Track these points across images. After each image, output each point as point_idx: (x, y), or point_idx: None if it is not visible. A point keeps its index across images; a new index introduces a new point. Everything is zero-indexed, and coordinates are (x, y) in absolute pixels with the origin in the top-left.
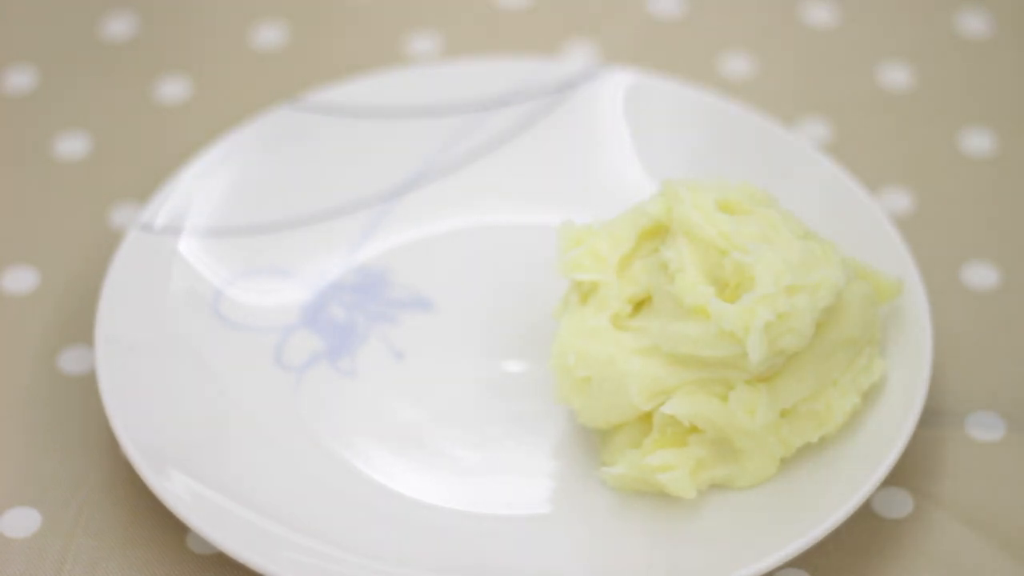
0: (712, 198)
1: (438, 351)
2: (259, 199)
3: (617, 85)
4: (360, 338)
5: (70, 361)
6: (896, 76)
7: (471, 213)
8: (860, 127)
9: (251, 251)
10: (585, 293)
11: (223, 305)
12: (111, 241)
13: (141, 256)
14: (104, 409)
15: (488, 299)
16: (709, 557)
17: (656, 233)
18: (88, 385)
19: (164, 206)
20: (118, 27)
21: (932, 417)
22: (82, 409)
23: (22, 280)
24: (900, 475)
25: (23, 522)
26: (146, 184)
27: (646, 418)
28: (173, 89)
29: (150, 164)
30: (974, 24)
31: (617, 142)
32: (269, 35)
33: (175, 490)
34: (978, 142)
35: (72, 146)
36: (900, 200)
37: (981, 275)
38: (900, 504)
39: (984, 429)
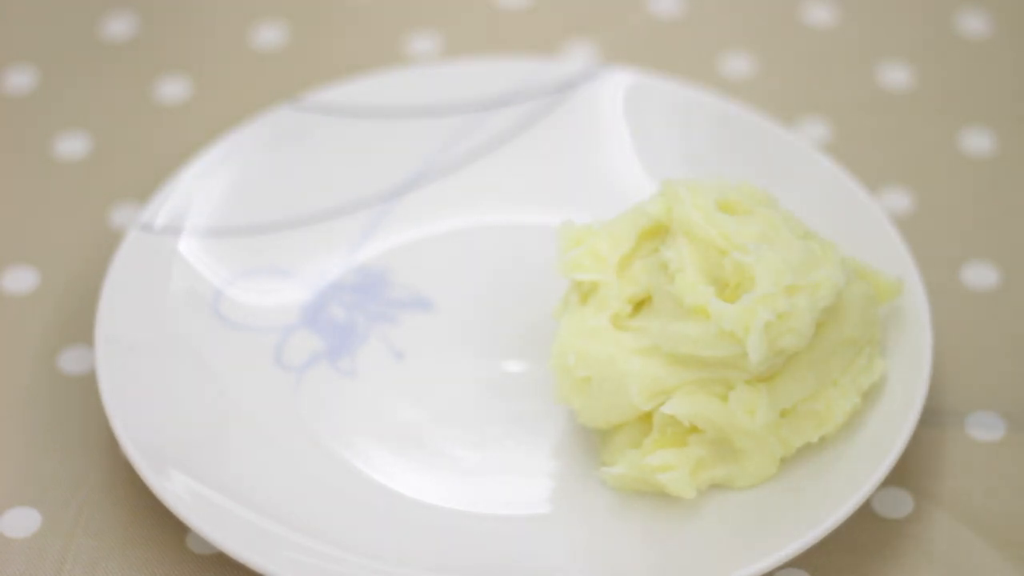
0: (712, 198)
1: (438, 351)
2: (259, 199)
3: (617, 85)
4: (360, 338)
5: (70, 361)
6: (896, 76)
7: (471, 213)
8: (860, 127)
9: (251, 251)
10: (585, 293)
11: (223, 305)
12: (111, 241)
13: (141, 256)
14: (104, 409)
15: (488, 299)
16: (709, 557)
17: (656, 233)
18: (88, 385)
19: (164, 206)
20: (118, 27)
21: (932, 417)
22: (82, 409)
23: (22, 280)
24: (900, 475)
25: (23, 522)
26: (146, 184)
27: (646, 418)
28: (173, 89)
29: (150, 164)
30: (974, 24)
31: (617, 142)
32: (269, 35)
33: (175, 490)
34: (978, 142)
35: (72, 146)
36: (900, 200)
37: (981, 275)
38: (900, 504)
39: (984, 429)
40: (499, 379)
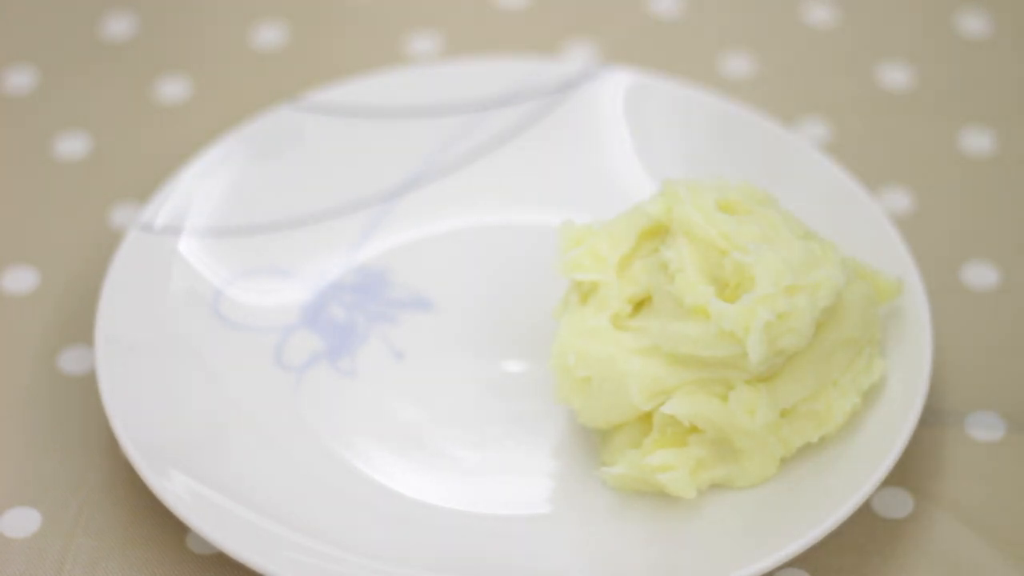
0: (712, 198)
1: (438, 351)
2: (259, 199)
3: (617, 85)
4: (360, 338)
5: (70, 361)
6: (896, 76)
7: (471, 213)
8: (860, 127)
9: (251, 251)
10: (585, 293)
11: (223, 305)
12: (111, 241)
13: (141, 256)
14: (104, 409)
15: (488, 299)
16: (709, 557)
17: (656, 233)
18: (88, 385)
19: (164, 206)
20: (118, 27)
21: (932, 417)
22: (82, 409)
23: (22, 280)
24: (900, 475)
25: (23, 522)
26: (146, 184)
27: (646, 418)
28: (173, 89)
29: (150, 164)
30: (974, 24)
31: (617, 142)
32: (269, 35)
33: (175, 490)
34: (978, 142)
35: (72, 146)
36: (900, 200)
37: (981, 275)
38: (900, 504)
39: (984, 429)
40: (499, 379)
